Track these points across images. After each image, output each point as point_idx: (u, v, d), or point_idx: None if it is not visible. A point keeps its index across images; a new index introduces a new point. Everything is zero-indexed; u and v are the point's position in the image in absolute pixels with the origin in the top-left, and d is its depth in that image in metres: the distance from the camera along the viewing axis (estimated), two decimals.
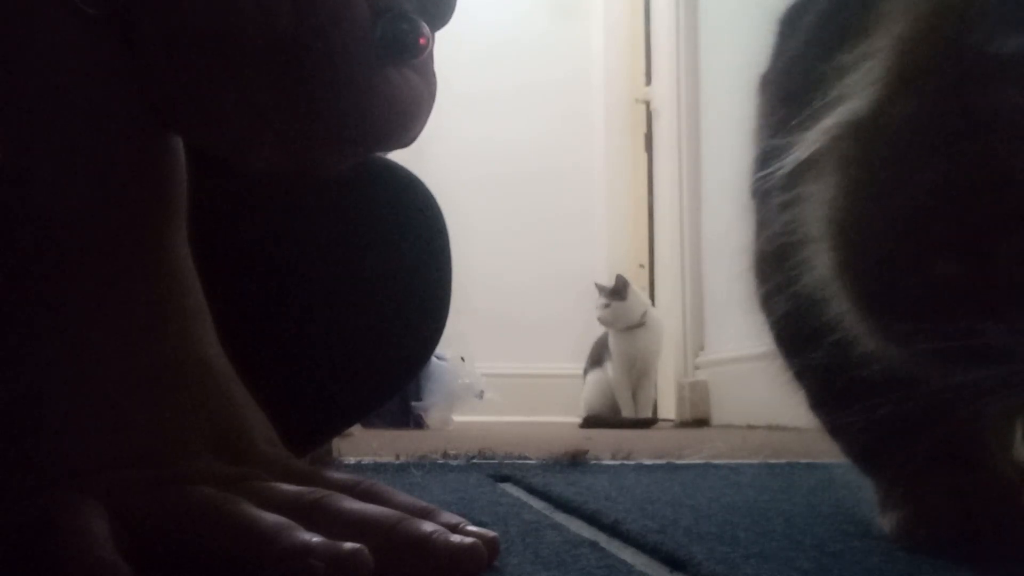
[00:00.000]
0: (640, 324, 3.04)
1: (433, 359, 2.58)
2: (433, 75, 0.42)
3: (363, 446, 1.37)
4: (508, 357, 3.61)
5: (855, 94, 0.43)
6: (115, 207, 0.37)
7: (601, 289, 3.10)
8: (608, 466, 1.00)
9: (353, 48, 0.37)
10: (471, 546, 0.34)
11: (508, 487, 0.78)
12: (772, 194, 0.52)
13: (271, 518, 0.32)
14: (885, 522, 0.48)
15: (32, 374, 0.35)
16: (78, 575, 0.29)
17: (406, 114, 0.40)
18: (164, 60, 0.37)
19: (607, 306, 3.04)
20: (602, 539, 0.49)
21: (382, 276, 0.59)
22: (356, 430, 1.77)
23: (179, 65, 0.37)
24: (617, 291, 3.06)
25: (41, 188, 0.36)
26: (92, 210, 0.36)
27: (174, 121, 0.38)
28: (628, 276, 3.17)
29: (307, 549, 0.31)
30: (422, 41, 0.39)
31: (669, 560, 0.42)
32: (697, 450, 1.26)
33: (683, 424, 2.83)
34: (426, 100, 0.41)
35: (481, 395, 2.96)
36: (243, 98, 0.37)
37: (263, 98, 0.37)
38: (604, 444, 1.36)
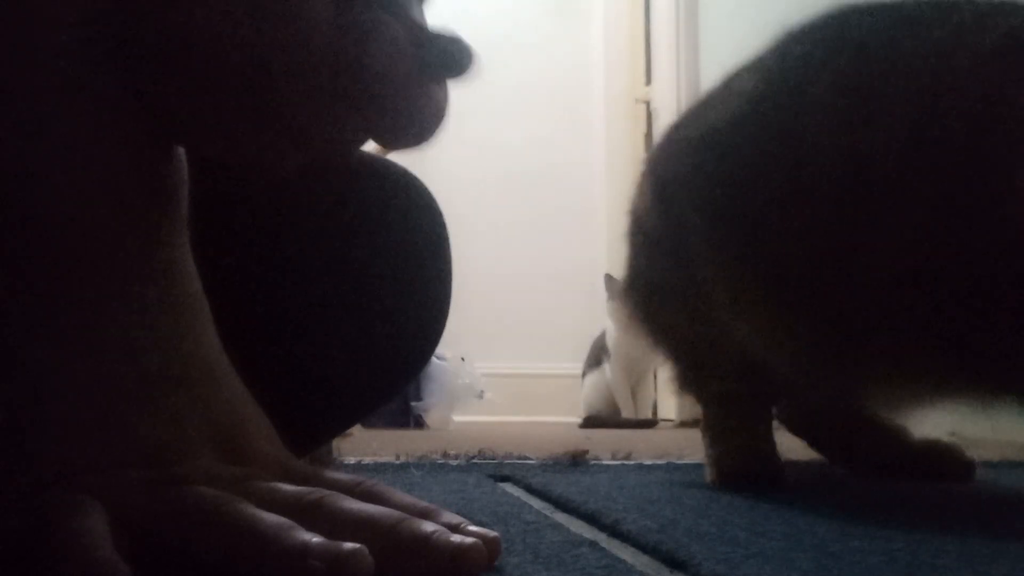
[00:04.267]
0: None
1: (433, 359, 2.57)
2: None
3: (363, 446, 1.37)
4: (508, 357, 3.61)
5: None
6: (116, 207, 0.37)
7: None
8: (608, 466, 1.00)
9: (396, 62, 0.38)
10: (472, 546, 0.34)
11: (508, 487, 0.78)
12: None
13: (271, 518, 0.32)
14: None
15: (32, 374, 0.35)
16: (77, 575, 0.29)
17: (435, 122, 0.42)
18: (185, 95, 0.37)
19: None
20: (602, 539, 0.49)
21: (383, 276, 0.59)
22: (356, 430, 1.77)
23: (203, 95, 0.37)
24: None
25: (41, 188, 0.36)
26: (93, 210, 0.36)
27: (185, 139, 0.39)
28: None
29: (307, 549, 0.31)
30: (470, 62, 0.42)
31: (669, 560, 0.42)
32: (697, 450, 1.26)
33: (683, 424, 2.83)
34: (445, 108, 0.43)
35: (481, 395, 2.96)
36: (272, 117, 0.37)
37: (294, 115, 0.37)
38: (604, 444, 1.36)
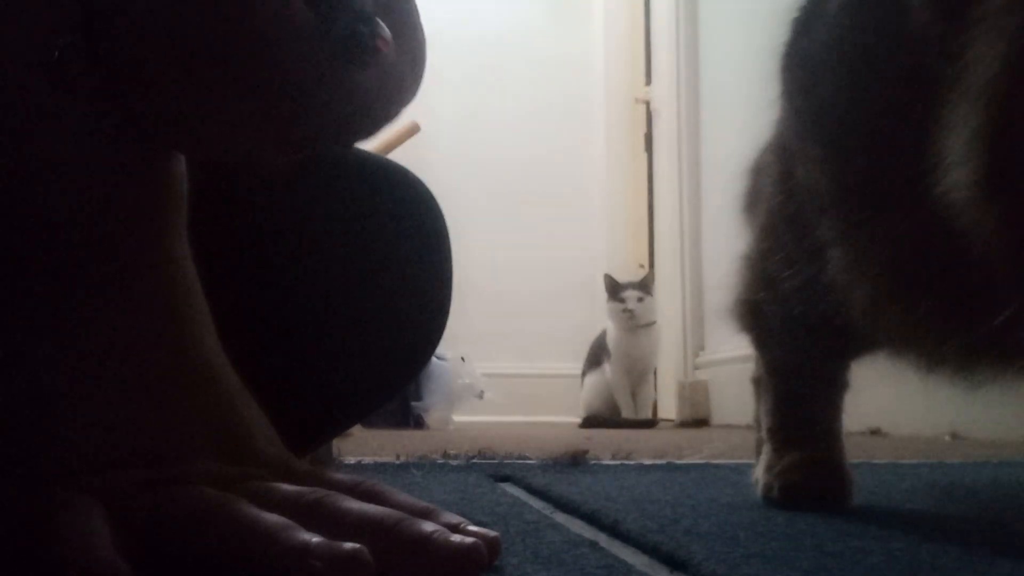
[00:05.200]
0: (652, 323, 3.03)
1: (433, 359, 2.57)
2: (394, 71, 0.40)
3: (363, 446, 1.37)
4: (508, 357, 3.61)
5: None
6: (117, 208, 0.37)
7: (627, 284, 3.03)
8: (608, 466, 1.00)
9: (294, 47, 0.36)
10: (472, 546, 0.34)
11: (508, 487, 0.78)
12: None
13: (271, 518, 0.32)
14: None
15: (34, 374, 0.35)
16: (78, 575, 0.29)
17: (359, 117, 0.39)
18: (138, 83, 0.36)
19: (641, 300, 3.00)
20: (602, 539, 0.49)
21: (383, 276, 0.59)
22: (356, 430, 1.77)
23: (153, 84, 0.36)
24: (645, 285, 3.03)
25: (43, 189, 0.36)
26: (94, 211, 0.36)
27: (154, 133, 0.38)
28: (629, 276, 3.16)
29: (307, 549, 0.31)
30: (380, 44, 0.37)
31: (669, 560, 0.42)
32: (697, 450, 1.26)
33: (683, 424, 2.83)
34: (382, 97, 0.39)
35: (481, 395, 2.96)
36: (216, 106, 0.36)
37: (235, 105, 0.36)
38: (604, 444, 1.36)
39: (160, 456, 0.35)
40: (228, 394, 0.38)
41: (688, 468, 0.97)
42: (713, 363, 2.83)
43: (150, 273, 0.37)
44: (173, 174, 0.39)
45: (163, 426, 0.35)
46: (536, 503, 0.65)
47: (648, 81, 3.65)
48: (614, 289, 3.05)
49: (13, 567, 0.30)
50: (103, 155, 0.37)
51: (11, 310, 0.35)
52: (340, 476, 0.39)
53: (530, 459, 1.07)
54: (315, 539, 0.31)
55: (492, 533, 0.37)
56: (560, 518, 0.57)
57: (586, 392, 3.22)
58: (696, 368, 2.97)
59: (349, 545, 0.31)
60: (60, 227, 0.36)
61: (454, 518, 0.37)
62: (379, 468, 0.98)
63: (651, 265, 3.45)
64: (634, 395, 3.10)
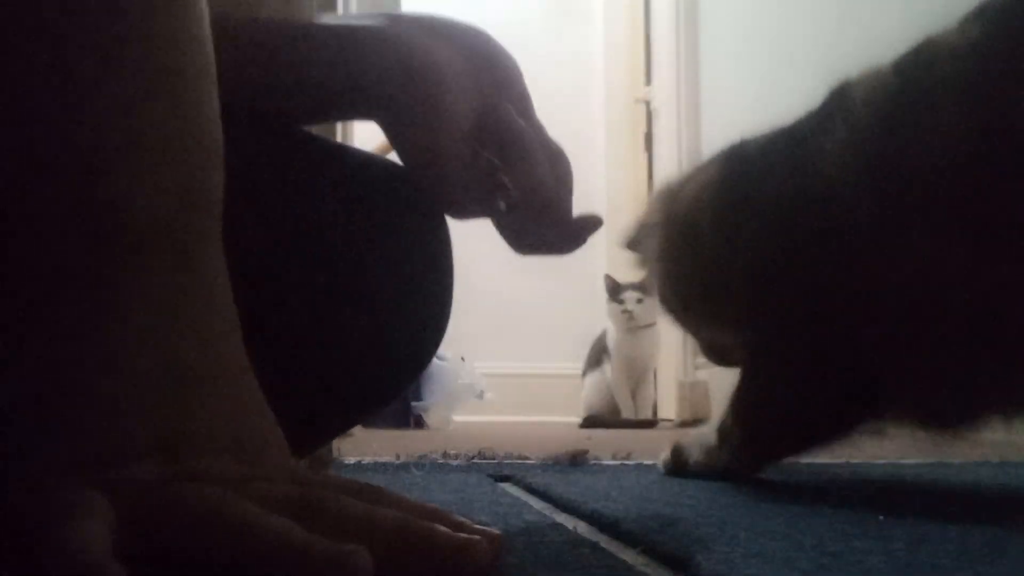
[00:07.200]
0: (652, 323, 3.02)
1: (433, 359, 2.57)
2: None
3: (363, 446, 1.37)
4: (508, 357, 3.61)
5: None
6: (163, 196, 0.37)
7: (627, 284, 3.03)
8: (608, 466, 1.00)
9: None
10: (477, 542, 0.34)
11: (508, 487, 0.78)
12: None
13: (272, 519, 0.32)
14: None
15: (44, 367, 0.35)
16: (69, 574, 0.29)
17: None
18: None
19: (640, 300, 2.99)
20: (602, 539, 0.49)
21: (384, 276, 0.59)
22: (356, 430, 1.77)
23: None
24: (645, 286, 3.03)
25: (80, 175, 0.36)
26: (140, 200, 0.36)
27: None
28: (629, 277, 3.16)
29: (307, 549, 0.31)
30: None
31: (669, 560, 0.42)
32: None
33: (683, 424, 2.83)
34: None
35: (481, 395, 2.96)
36: None
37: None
38: (604, 444, 1.36)
39: (175, 450, 0.34)
40: (243, 394, 0.38)
41: None
42: None
43: (189, 266, 0.37)
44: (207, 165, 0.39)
45: (176, 420, 0.35)
46: (536, 503, 0.65)
47: (648, 81, 3.65)
48: (614, 290, 3.05)
49: (12, 565, 0.30)
50: (149, 142, 0.36)
51: (23, 302, 0.35)
52: (342, 478, 0.39)
53: (530, 459, 1.07)
54: (316, 540, 0.31)
55: (495, 531, 0.37)
56: (560, 518, 0.57)
57: (586, 392, 3.22)
58: (696, 368, 2.97)
59: (350, 546, 0.31)
60: (88, 216, 0.35)
61: (457, 519, 0.37)
62: (379, 468, 0.99)
63: None
64: (634, 395, 3.10)
